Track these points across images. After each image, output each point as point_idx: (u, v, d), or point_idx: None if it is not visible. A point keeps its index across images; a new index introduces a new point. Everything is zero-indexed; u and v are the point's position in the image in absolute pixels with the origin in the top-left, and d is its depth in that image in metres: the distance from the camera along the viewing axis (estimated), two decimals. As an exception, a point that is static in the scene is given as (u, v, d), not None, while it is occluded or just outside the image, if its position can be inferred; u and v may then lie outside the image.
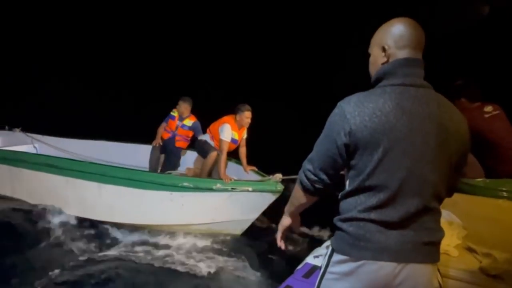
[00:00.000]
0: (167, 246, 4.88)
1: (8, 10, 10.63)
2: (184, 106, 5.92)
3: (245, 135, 5.61)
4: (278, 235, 1.91)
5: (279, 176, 5.02)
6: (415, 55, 1.54)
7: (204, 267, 4.51)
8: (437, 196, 1.51)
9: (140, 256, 4.59)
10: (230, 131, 5.31)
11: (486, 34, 6.68)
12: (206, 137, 5.65)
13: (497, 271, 2.02)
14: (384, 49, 1.57)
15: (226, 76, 10.08)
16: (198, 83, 9.47)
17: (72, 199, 5.32)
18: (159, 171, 5.96)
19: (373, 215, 1.49)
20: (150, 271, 4.37)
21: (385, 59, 1.57)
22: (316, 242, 3.52)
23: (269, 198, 4.94)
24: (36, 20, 10.90)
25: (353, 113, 1.48)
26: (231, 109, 5.49)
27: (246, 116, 5.33)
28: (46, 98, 9.70)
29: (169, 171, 5.78)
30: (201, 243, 4.94)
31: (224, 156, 5.20)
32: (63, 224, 5.17)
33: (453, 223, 2.36)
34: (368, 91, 1.55)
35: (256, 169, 5.50)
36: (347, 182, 1.58)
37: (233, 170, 5.67)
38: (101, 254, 4.59)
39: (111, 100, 10.14)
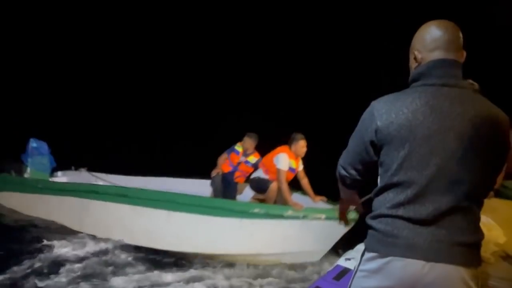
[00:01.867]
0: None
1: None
2: (249, 143, 5.90)
3: (301, 166, 5.47)
4: (340, 217, 2.20)
5: None
6: (448, 56, 1.54)
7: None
8: (472, 196, 1.46)
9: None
10: (287, 159, 5.17)
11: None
12: (259, 173, 5.53)
13: None
14: (415, 55, 1.60)
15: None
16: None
17: (139, 229, 5.27)
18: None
19: (401, 212, 1.48)
20: None
21: (416, 64, 1.60)
22: (349, 245, 3.35)
23: (343, 227, 4.68)
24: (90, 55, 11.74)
25: (380, 111, 1.52)
26: (284, 141, 5.42)
27: (301, 145, 5.23)
28: (111, 136, 10.10)
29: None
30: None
31: (285, 185, 5.05)
32: (127, 255, 5.08)
33: (491, 229, 2.23)
34: (402, 91, 1.58)
35: (326, 199, 5.29)
36: (378, 180, 1.59)
37: (301, 202, 5.49)
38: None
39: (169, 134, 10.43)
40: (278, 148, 5.39)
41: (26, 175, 6.64)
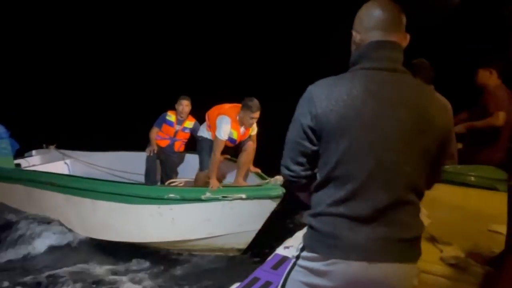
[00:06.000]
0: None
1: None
2: (186, 104, 5.28)
3: (254, 131, 4.72)
4: None
5: (279, 178, 4.19)
6: (387, 37, 1.43)
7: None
8: (412, 189, 1.40)
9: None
10: (228, 128, 4.44)
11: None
12: (202, 130, 4.85)
13: (457, 260, 1.91)
14: (353, 35, 1.51)
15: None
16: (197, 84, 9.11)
17: (73, 217, 5.06)
18: (159, 182, 5.43)
19: (342, 209, 1.39)
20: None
21: (354, 46, 1.51)
22: (288, 233, 3.09)
23: (269, 205, 4.16)
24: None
25: (320, 96, 1.39)
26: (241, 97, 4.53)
27: (251, 116, 4.38)
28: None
29: (171, 180, 5.23)
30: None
31: (217, 156, 4.42)
32: (65, 243, 4.97)
33: None
34: (340, 75, 1.46)
35: (259, 172, 4.70)
36: (318, 174, 1.47)
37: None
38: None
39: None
40: (227, 107, 4.61)
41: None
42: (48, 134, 7.86)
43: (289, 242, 2.96)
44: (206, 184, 4.54)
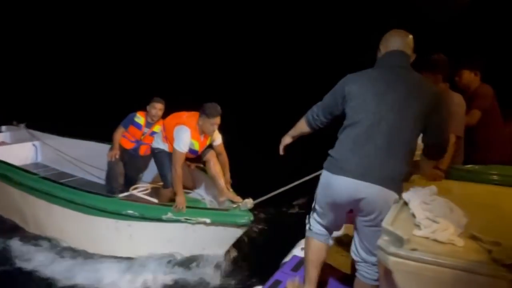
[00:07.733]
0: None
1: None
2: (160, 107, 4.80)
3: (218, 140, 4.30)
4: (280, 147, 2.76)
5: (249, 202, 3.84)
6: (396, 49, 2.26)
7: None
8: (403, 139, 2.11)
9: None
10: (188, 139, 4.00)
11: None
12: (158, 141, 4.40)
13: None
14: (378, 52, 2.36)
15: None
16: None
17: (28, 215, 4.71)
18: (122, 186, 5.00)
19: (350, 144, 2.18)
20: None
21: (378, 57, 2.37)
22: (302, 234, 2.86)
23: (234, 232, 3.83)
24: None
25: (352, 78, 2.30)
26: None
27: (212, 122, 3.97)
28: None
29: (136, 186, 4.85)
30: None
31: (178, 171, 3.98)
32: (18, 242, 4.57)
33: (453, 210, 2.13)
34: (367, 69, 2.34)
35: (232, 197, 4.26)
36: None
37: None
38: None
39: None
40: (185, 116, 4.14)
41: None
42: (18, 112, 7.44)
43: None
44: (171, 200, 4.19)
